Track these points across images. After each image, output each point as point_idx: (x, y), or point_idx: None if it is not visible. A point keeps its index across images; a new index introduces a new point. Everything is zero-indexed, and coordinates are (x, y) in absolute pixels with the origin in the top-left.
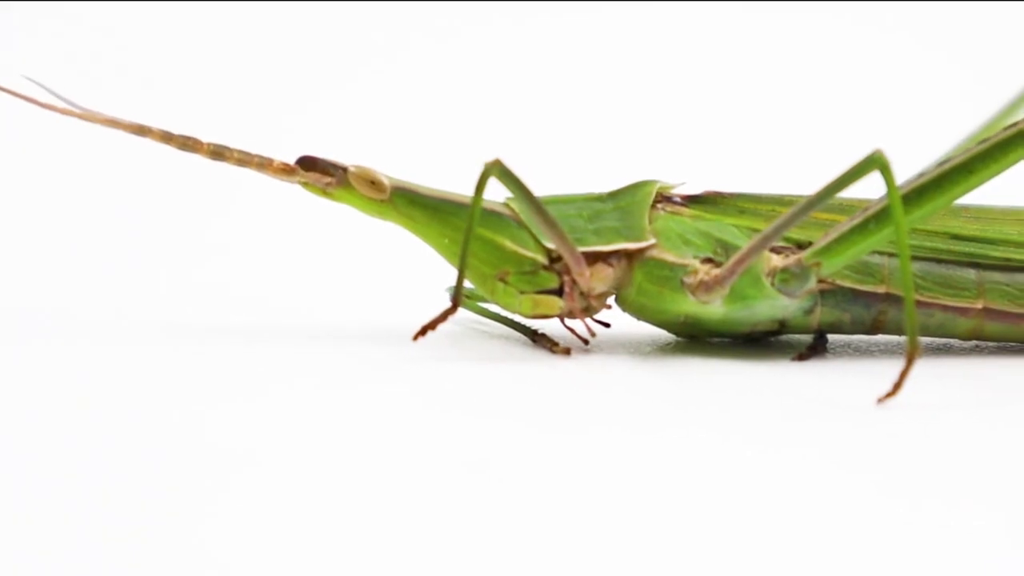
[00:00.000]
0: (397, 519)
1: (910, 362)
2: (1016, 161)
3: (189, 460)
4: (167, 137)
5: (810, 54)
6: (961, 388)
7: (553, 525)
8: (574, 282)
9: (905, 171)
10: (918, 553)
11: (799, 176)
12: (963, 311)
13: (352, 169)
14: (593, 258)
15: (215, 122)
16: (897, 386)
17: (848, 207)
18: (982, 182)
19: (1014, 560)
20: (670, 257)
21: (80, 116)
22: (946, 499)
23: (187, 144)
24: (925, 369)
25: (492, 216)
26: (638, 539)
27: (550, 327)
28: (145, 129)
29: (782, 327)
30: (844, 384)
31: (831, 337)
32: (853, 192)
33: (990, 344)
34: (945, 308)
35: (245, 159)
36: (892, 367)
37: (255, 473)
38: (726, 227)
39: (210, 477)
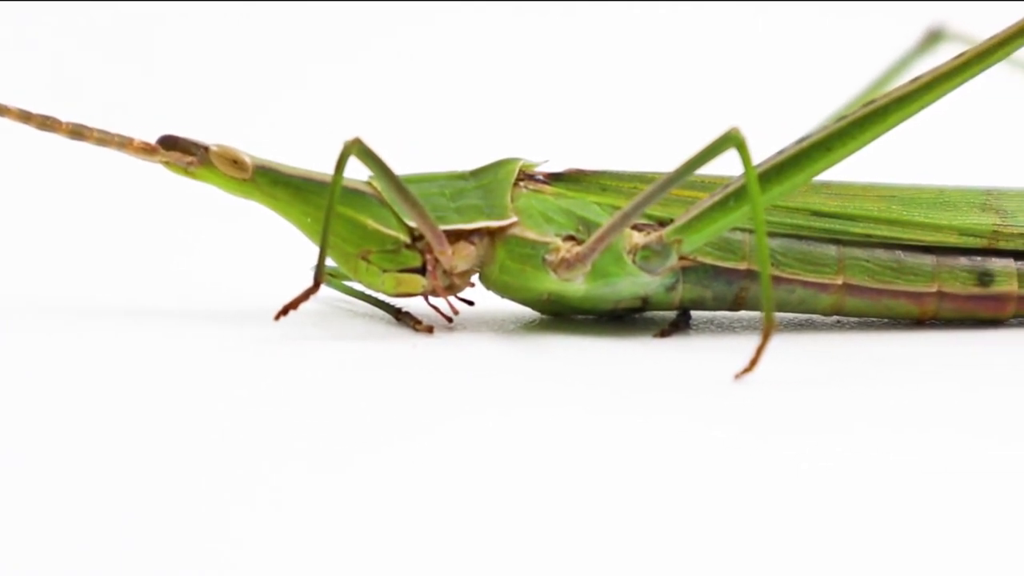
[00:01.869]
0: (248, 507)
1: (766, 338)
2: (873, 138)
3: (38, 448)
4: (25, 116)
5: (676, 32)
6: (819, 363)
7: (413, 506)
8: (436, 260)
9: (769, 149)
10: (769, 522)
11: (666, 154)
12: (824, 287)
13: (214, 148)
14: (455, 236)
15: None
16: (753, 361)
17: (709, 184)
18: (840, 159)
19: (864, 525)
20: (532, 235)
21: None
22: (797, 471)
23: (46, 124)
24: (785, 344)
25: (354, 195)
26: (501, 517)
27: (414, 305)
28: (2, 109)
29: (645, 304)
30: (705, 360)
31: (694, 313)
32: (718, 169)
33: (851, 320)
34: (806, 284)
35: (105, 138)
36: (752, 343)
37: (106, 456)
38: (588, 205)
39: (63, 464)
